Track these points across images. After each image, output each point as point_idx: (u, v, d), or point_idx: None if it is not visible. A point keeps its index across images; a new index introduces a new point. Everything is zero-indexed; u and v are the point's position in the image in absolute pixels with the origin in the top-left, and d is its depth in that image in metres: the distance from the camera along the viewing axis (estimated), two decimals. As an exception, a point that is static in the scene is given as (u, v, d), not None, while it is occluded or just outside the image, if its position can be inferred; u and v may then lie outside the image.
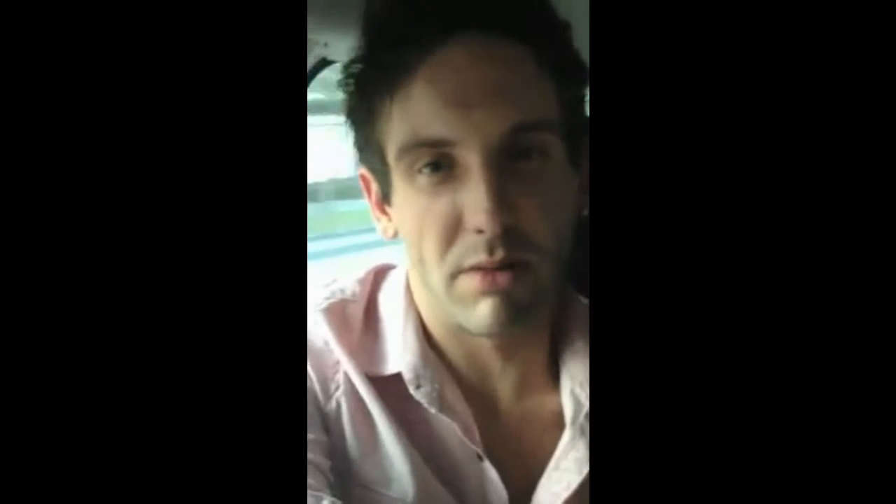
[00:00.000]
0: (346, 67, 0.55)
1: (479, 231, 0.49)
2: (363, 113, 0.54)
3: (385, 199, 0.56)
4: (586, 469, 0.56)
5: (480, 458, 0.57)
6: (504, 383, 0.60)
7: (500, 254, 0.49)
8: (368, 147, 0.55)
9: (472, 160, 0.48)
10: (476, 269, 0.50)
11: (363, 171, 0.58)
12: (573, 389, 0.58)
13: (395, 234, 0.57)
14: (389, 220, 0.57)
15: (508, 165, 0.49)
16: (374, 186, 0.57)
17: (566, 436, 0.57)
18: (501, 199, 0.48)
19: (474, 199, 0.48)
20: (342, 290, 0.62)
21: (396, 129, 0.51)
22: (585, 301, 0.63)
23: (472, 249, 0.50)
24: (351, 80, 0.54)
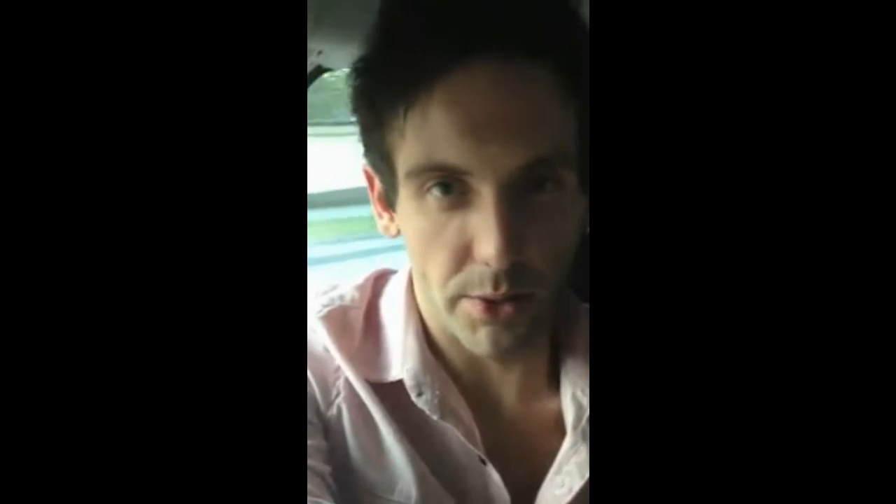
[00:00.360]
0: (356, 67, 0.52)
1: (487, 264, 0.48)
2: (372, 119, 0.52)
3: (389, 202, 0.55)
4: (588, 473, 0.56)
5: (483, 461, 0.57)
6: (506, 388, 0.60)
7: (505, 287, 0.49)
8: (375, 151, 0.53)
9: (485, 191, 0.47)
10: (479, 297, 0.50)
11: (367, 167, 0.57)
12: (575, 394, 0.58)
13: (398, 234, 0.56)
14: (392, 219, 0.56)
15: (521, 197, 0.48)
16: (378, 184, 0.56)
17: (568, 440, 0.58)
18: (512, 236, 0.47)
19: (485, 233, 0.47)
20: (341, 297, 0.61)
21: (408, 149, 0.49)
22: (586, 305, 0.63)
23: (477, 280, 0.49)
24: (359, 83, 0.52)
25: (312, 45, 0.72)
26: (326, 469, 0.54)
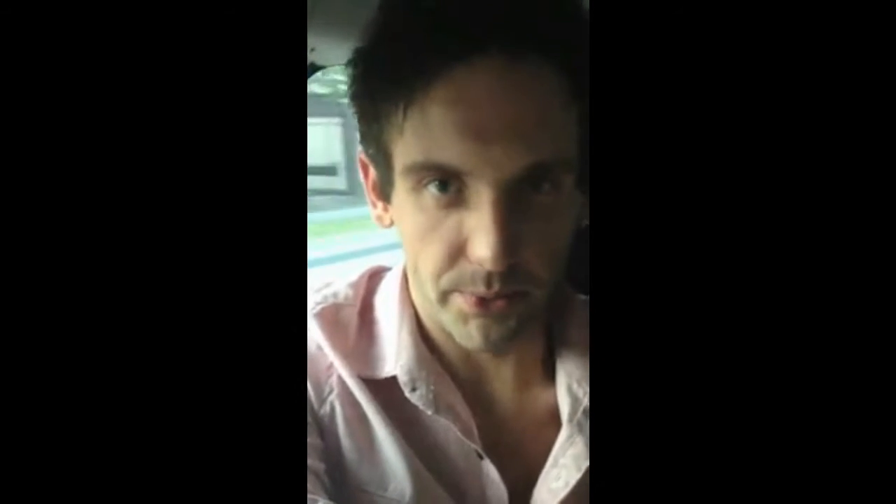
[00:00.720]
0: (355, 58, 0.51)
1: (482, 265, 0.47)
2: (369, 111, 0.51)
3: (384, 192, 0.54)
4: (584, 465, 0.56)
5: (480, 456, 0.57)
6: (501, 382, 0.60)
7: (497, 286, 0.48)
8: (372, 142, 0.52)
9: (482, 192, 0.46)
10: (472, 293, 0.50)
11: (363, 157, 0.56)
12: (570, 386, 0.59)
13: (391, 224, 0.55)
14: (385, 209, 0.56)
15: (519, 198, 0.47)
16: (373, 174, 0.56)
17: (563, 433, 0.58)
18: (508, 239, 0.46)
19: (481, 234, 0.46)
20: (335, 295, 0.61)
21: (407, 145, 0.48)
22: (581, 297, 0.63)
23: (470, 278, 0.49)
24: (358, 74, 0.51)
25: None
26: (321, 467, 0.54)
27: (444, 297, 0.51)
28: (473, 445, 0.57)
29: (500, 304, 0.50)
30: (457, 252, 0.49)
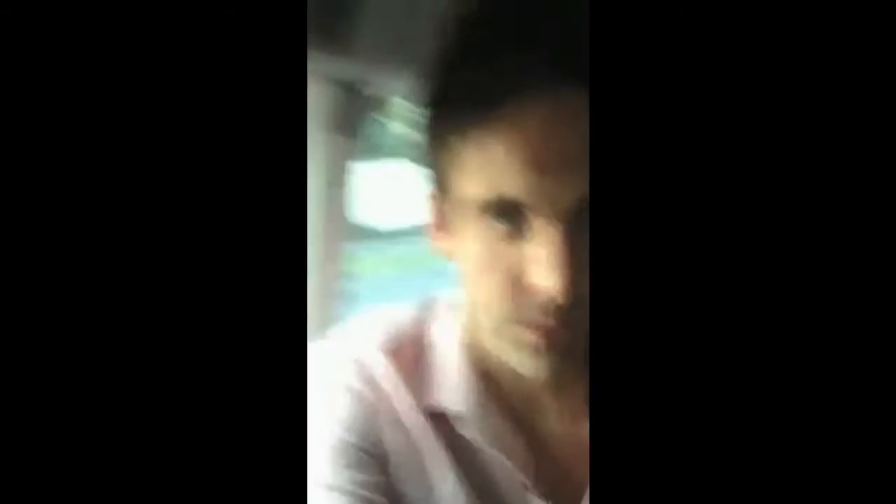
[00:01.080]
0: (413, 91, 0.54)
1: (546, 295, 0.47)
2: (429, 143, 0.52)
3: (443, 224, 0.55)
4: None
5: (531, 490, 0.56)
6: (553, 414, 0.59)
7: (560, 316, 0.48)
8: (432, 175, 0.53)
9: (543, 223, 0.47)
10: (532, 322, 0.49)
11: (427, 190, 0.56)
12: None
13: (449, 256, 0.55)
14: (444, 240, 0.56)
15: (575, 227, 0.47)
16: (433, 206, 0.56)
17: None
18: (570, 268, 0.46)
19: (544, 266, 0.47)
20: (394, 326, 0.61)
21: (467, 178, 0.49)
22: None
23: (531, 309, 0.49)
24: (418, 106, 0.53)
25: (356, 74, 0.73)
26: (384, 502, 0.54)
27: (504, 327, 0.51)
28: (525, 480, 0.56)
29: (557, 332, 0.49)
30: (519, 283, 0.49)
